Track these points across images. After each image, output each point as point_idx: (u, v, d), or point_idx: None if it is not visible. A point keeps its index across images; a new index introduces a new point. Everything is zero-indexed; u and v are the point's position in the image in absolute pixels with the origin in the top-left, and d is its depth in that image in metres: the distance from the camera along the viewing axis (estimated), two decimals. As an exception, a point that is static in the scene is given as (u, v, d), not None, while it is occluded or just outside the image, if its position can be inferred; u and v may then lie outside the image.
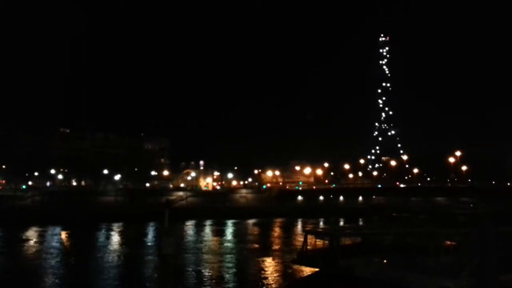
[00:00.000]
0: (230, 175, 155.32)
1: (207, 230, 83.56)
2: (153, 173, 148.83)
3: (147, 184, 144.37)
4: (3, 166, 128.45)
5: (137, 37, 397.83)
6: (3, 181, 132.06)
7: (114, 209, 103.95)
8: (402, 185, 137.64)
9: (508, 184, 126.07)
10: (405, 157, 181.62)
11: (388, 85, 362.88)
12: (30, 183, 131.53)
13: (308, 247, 40.90)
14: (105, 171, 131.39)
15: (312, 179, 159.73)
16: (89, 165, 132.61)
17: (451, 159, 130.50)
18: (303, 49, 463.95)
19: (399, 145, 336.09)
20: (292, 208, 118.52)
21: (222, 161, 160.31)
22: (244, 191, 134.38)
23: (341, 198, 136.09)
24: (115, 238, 69.50)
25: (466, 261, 28.73)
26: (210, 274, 40.99)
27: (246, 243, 63.69)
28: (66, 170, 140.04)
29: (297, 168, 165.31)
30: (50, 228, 77.76)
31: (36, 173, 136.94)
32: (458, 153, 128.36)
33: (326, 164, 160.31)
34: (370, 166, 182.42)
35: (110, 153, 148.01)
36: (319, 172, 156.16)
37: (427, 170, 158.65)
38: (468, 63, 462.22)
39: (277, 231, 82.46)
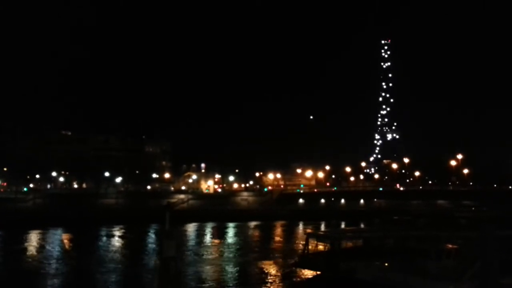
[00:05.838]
0: (231, 178, 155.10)
1: (208, 232, 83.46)
2: (154, 175, 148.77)
3: (148, 187, 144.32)
4: (5, 169, 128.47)
5: (139, 39, 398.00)
6: (5, 184, 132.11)
7: (115, 211, 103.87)
8: (403, 188, 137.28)
9: (510, 187, 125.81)
10: (406, 160, 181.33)
11: (390, 87, 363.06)
12: (31, 185, 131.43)
13: (310, 248, 40.85)
14: (106, 174, 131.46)
15: (313, 182, 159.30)
16: (90, 167, 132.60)
17: (453, 162, 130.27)
18: (303, 52, 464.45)
19: (400, 148, 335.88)
20: (293, 211, 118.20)
21: (223, 164, 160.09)
22: (245, 193, 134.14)
23: (343, 201, 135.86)
24: (116, 240, 69.42)
25: (468, 264, 28.64)
26: (210, 277, 40.90)
27: (247, 245, 63.58)
28: (67, 173, 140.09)
29: (299, 171, 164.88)
30: (51, 230, 77.78)
31: (37, 176, 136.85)
32: (459, 156, 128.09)
33: (327, 167, 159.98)
34: (372, 169, 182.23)
35: (111, 155, 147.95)
36: (321, 175, 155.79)
37: (429, 173, 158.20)
38: (471, 65, 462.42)
39: (278, 234, 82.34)
